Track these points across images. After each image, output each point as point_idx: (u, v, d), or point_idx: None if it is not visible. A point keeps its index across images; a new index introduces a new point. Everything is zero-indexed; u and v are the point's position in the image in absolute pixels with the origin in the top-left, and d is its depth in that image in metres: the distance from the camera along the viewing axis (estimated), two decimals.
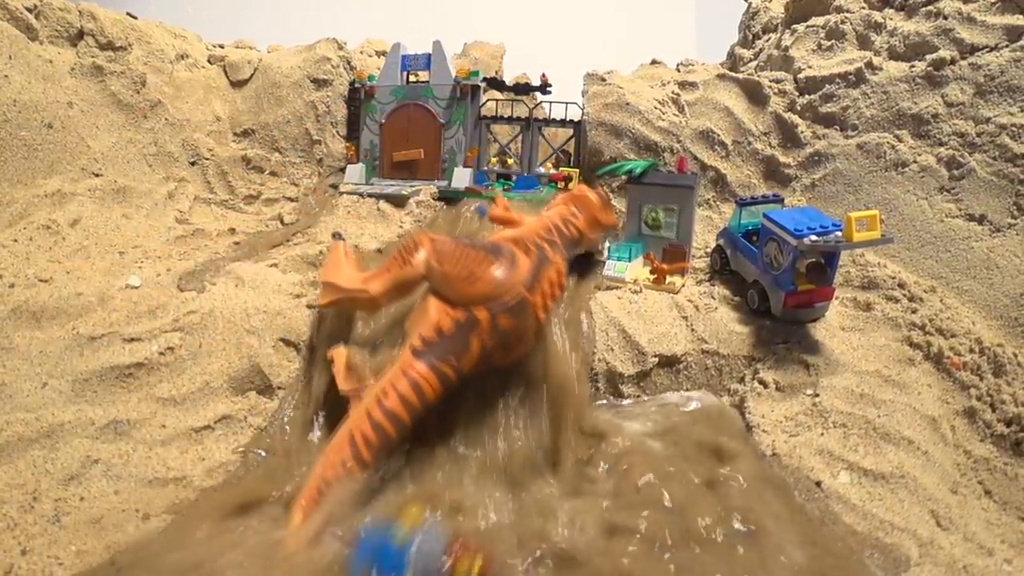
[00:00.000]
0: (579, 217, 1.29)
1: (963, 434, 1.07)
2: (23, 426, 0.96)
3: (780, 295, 1.19)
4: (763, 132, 1.70)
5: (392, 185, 1.83)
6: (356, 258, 1.12)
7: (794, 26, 1.86)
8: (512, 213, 1.27)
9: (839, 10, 1.77)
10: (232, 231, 1.69)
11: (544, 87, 1.85)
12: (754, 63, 2.14)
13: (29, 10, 1.72)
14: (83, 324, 1.14)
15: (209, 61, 2.20)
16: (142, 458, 0.98)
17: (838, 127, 1.62)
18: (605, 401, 1.19)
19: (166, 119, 1.91)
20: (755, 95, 1.73)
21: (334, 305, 1.08)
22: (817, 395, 1.09)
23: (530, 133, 1.83)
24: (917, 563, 0.84)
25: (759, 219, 1.28)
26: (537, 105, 1.98)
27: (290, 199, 2.00)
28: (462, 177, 1.78)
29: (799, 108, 1.69)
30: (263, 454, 1.05)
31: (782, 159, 1.66)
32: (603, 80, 1.78)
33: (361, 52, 2.38)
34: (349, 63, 2.18)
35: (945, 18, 1.56)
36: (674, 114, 1.71)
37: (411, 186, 1.79)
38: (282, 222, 1.80)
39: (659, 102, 1.71)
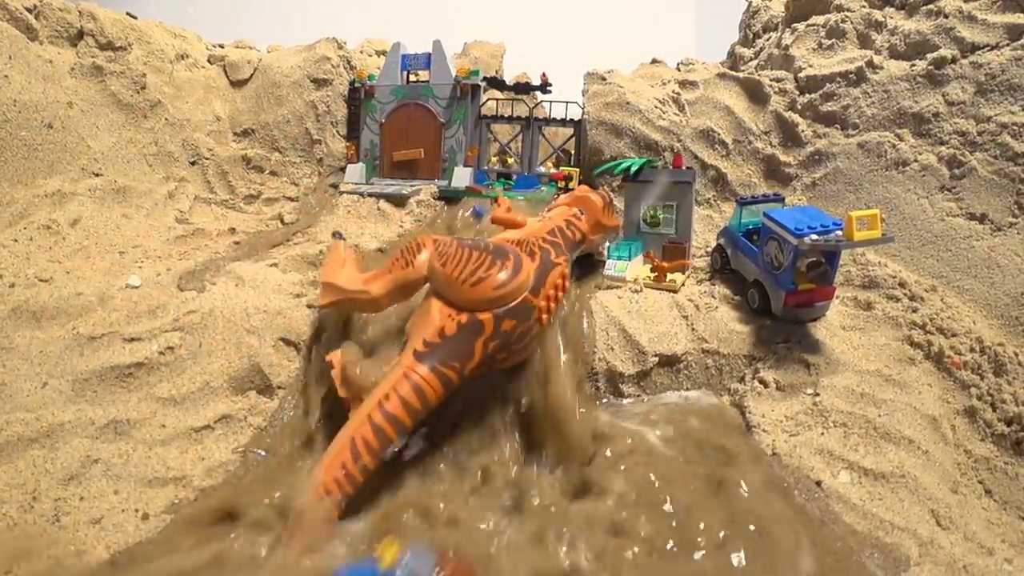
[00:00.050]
0: (582, 218, 1.27)
1: (963, 433, 1.07)
2: (23, 426, 0.97)
3: (781, 294, 1.19)
4: (763, 131, 1.70)
5: (392, 185, 1.83)
6: (356, 258, 1.11)
7: (794, 25, 1.86)
8: (515, 214, 1.25)
9: (839, 9, 1.77)
10: (232, 231, 1.69)
11: (544, 86, 1.85)
12: (754, 62, 2.14)
13: (29, 10, 1.72)
14: (83, 324, 1.14)
15: (209, 61, 2.20)
16: (142, 458, 0.98)
17: (839, 126, 1.62)
18: (605, 401, 1.18)
19: (166, 119, 1.91)
20: (755, 94, 1.73)
21: (334, 306, 1.06)
22: (817, 394, 1.08)
23: (530, 132, 1.83)
24: (917, 563, 0.84)
25: (760, 218, 1.27)
26: (537, 104, 1.98)
27: (290, 199, 2.00)
28: (462, 176, 1.78)
29: (800, 107, 1.69)
30: (263, 454, 1.05)
31: (783, 158, 1.66)
32: (603, 79, 1.78)
33: (361, 52, 2.38)
34: (349, 63, 2.18)
35: (946, 17, 1.55)
36: (674, 113, 1.71)
37: (411, 186, 1.79)
38: (282, 222, 1.80)
39: (659, 101, 1.71)
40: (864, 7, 1.74)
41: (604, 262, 1.41)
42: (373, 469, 0.87)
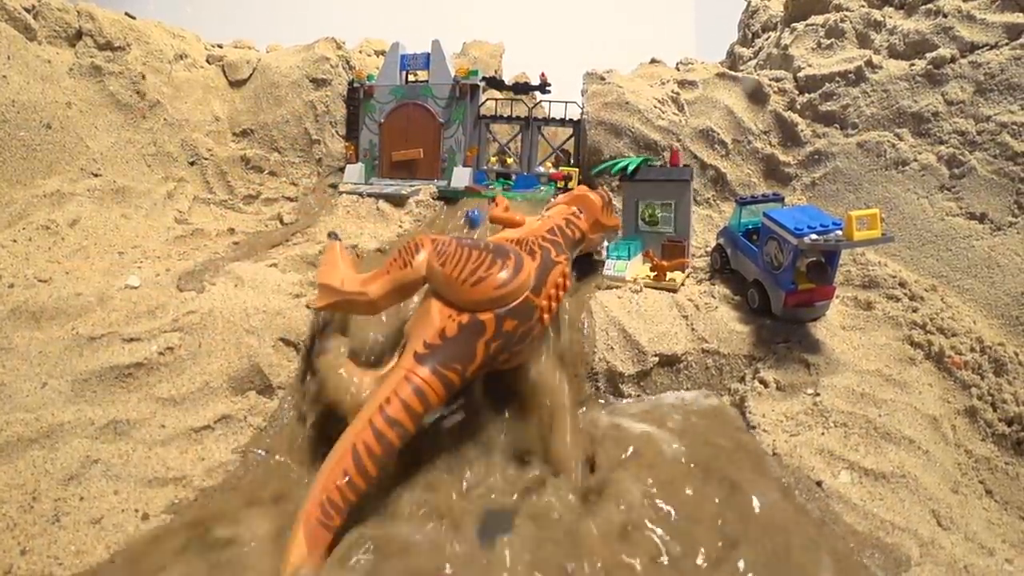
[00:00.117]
0: (581, 218, 1.26)
1: (964, 433, 1.07)
2: (23, 426, 0.96)
3: (780, 294, 1.19)
4: (763, 131, 1.70)
5: (391, 185, 1.83)
6: (352, 259, 1.09)
7: (793, 25, 1.86)
8: (513, 213, 1.24)
9: (839, 8, 1.77)
10: (231, 231, 1.68)
11: (543, 86, 1.85)
12: (754, 62, 2.14)
13: (27, 10, 1.72)
14: (82, 324, 1.14)
15: (208, 61, 2.20)
16: (142, 458, 0.98)
17: (838, 126, 1.62)
18: (605, 401, 1.18)
19: (165, 119, 1.90)
20: (755, 94, 1.73)
21: (331, 308, 1.04)
22: (818, 394, 1.08)
23: (529, 132, 1.83)
24: (918, 563, 0.84)
25: (759, 218, 1.27)
26: (536, 104, 1.98)
27: (289, 199, 2.00)
28: (461, 176, 1.78)
29: (799, 107, 1.69)
30: (263, 454, 1.04)
31: (782, 158, 1.66)
32: (602, 79, 1.78)
33: (360, 51, 2.38)
34: (348, 63, 2.18)
35: (945, 16, 1.55)
36: (674, 113, 1.71)
37: (410, 186, 1.79)
38: (281, 222, 1.80)
39: (659, 101, 1.71)
40: (863, 7, 1.74)
41: (603, 262, 1.41)
42: (376, 475, 0.85)
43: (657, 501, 0.88)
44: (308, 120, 2.11)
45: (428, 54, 1.87)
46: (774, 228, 1.19)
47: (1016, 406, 1.07)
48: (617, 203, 1.64)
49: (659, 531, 0.85)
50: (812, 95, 1.67)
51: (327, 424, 1.03)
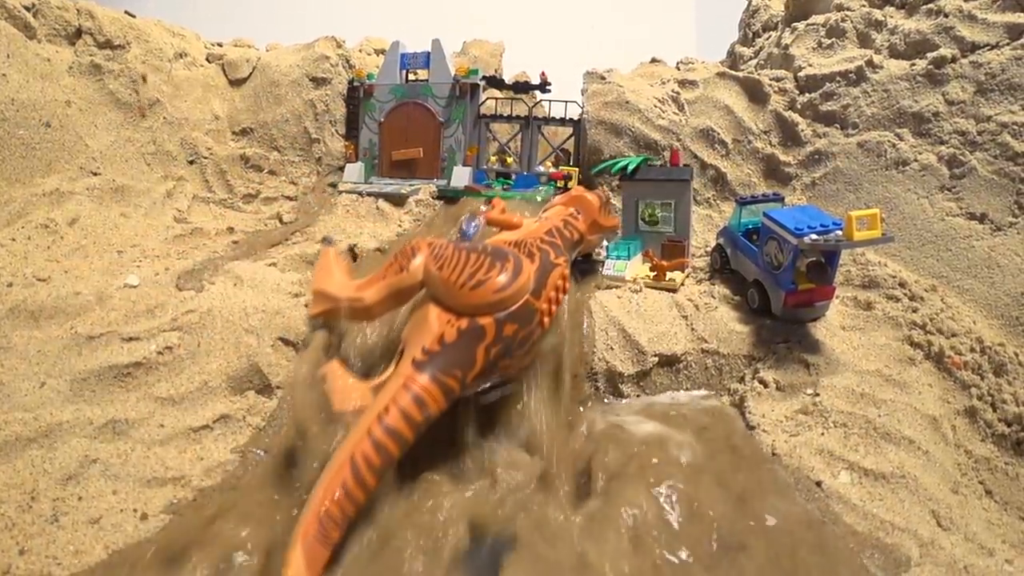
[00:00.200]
0: (579, 218, 1.25)
1: (964, 434, 1.07)
2: (21, 425, 0.96)
3: (780, 294, 1.19)
4: (763, 130, 1.70)
5: (391, 184, 1.83)
6: (347, 265, 1.05)
7: (794, 24, 1.86)
8: (511, 216, 1.22)
9: (839, 8, 1.77)
10: (231, 230, 1.68)
11: (543, 85, 1.85)
12: (754, 61, 2.14)
13: (27, 8, 1.72)
14: (81, 323, 1.13)
15: (208, 60, 2.20)
16: (140, 458, 0.98)
17: (838, 125, 1.62)
18: (606, 400, 1.18)
19: (164, 118, 1.90)
20: (755, 93, 1.73)
21: (326, 315, 1.01)
22: (817, 394, 1.08)
23: (529, 132, 1.83)
24: (918, 563, 0.84)
25: (759, 218, 1.27)
26: (536, 103, 1.97)
27: (289, 198, 1.99)
28: (461, 176, 1.78)
29: (799, 106, 1.69)
30: (262, 454, 1.04)
31: (782, 158, 1.66)
32: (603, 78, 1.78)
33: (360, 50, 2.38)
34: (348, 61, 2.18)
35: (946, 16, 1.55)
36: (674, 112, 1.71)
37: (410, 185, 1.79)
38: (281, 221, 1.80)
39: (659, 100, 1.71)
40: (864, 6, 1.73)
41: (603, 262, 1.41)
42: (375, 487, 0.82)
43: (662, 504, 0.87)
44: (308, 119, 2.11)
45: (428, 53, 1.86)
46: (774, 228, 1.19)
47: (1016, 406, 1.07)
48: (617, 203, 1.63)
49: (666, 541, 0.83)
50: (812, 95, 1.66)
51: (324, 429, 1.02)
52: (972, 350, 1.17)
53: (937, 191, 1.46)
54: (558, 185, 1.73)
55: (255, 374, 1.12)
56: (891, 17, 1.67)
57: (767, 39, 2.17)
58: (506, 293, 0.91)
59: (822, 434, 1.02)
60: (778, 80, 1.74)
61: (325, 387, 0.90)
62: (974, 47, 1.50)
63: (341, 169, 1.98)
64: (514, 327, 0.91)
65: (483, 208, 1.41)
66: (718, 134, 1.68)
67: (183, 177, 1.87)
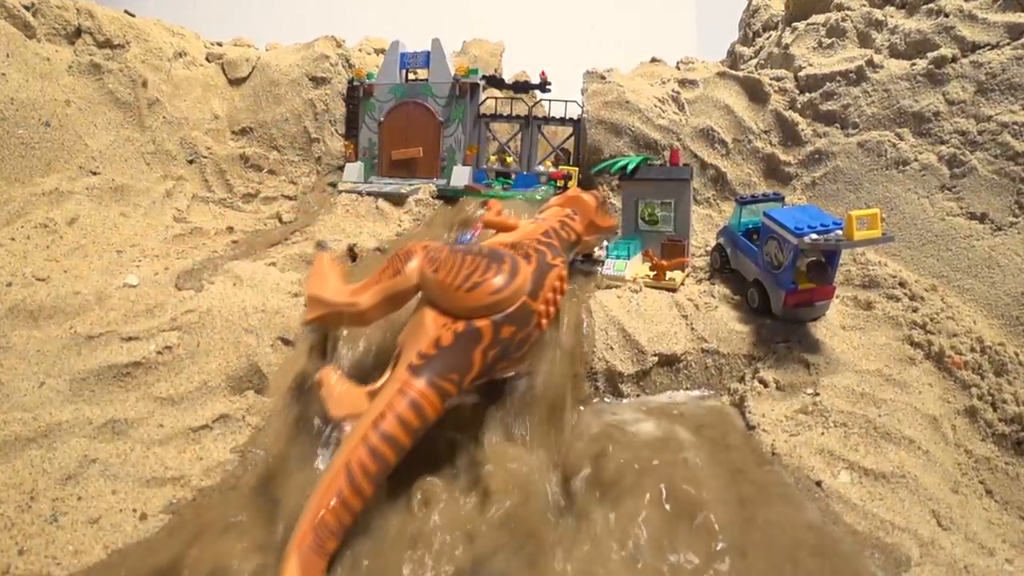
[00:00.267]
0: (575, 219, 1.24)
1: (964, 433, 1.07)
2: (20, 425, 0.96)
3: (780, 294, 1.19)
4: (763, 130, 1.70)
5: (391, 183, 1.83)
6: (342, 270, 1.03)
7: (794, 24, 1.86)
8: (507, 217, 1.21)
9: (840, 8, 1.77)
10: (230, 230, 1.68)
11: (543, 85, 1.85)
12: (754, 61, 2.14)
13: (27, 8, 1.72)
14: (81, 323, 1.13)
15: (207, 59, 2.20)
16: (140, 457, 0.98)
17: (839, 125, 1.62)
18: (605, 400, 1.18)
19: (164, 117, 1.90)
20: (755, 93, 1.73)
21: (321, 321, 1.00)
22: (817, 394, 1.08)
23: (529, 131, 1.83)
24: (918, 563, 0.84)
25: (759, 217, 1.27)
26: (536, 103, 1.97)
27: (288, 197, 1.99)
28: (461, 175, 1.78)
29: (799, 106, 1.68)
30: (261, 453, 1.04)
31: (782, 157, 1.66)
32: (603, 78, 1.78)
33: (360, 50, 2.38)
34: (348, 61, 2.18)
35: (946, 16, 1.55)
36: (674, 112, 1.71)
37: (410, 184, 1.79)
38: (280, 220, 1.80)
39: (659, 100, 1.71)
40: (864, 6, 1.73)
41: (602, 261, 1.41)
42: (372, 495, 0.80)
43: (662, 506, 0.87)
44: (307, 118, 2.11)
45: (428, 52, 1.86)
46: (774, 228, 1.19)
47: (1016, 406, 1.06)
48: (616, 202, 1.63)
49: (666, 544, 0.82)
50: (813, 94, 1.66)
51: (320, 435, 1.01)
52: (972, 350, 1.16)
53: (937, 191, 1.45)
54: (558, 185, 1.73)
55: (255, 374, 1.12)
56: (891, 17, 1.67)
57: (767, 39, 2.17)
58: (503, 295, 0.90)
59: (822, 434, 1.02)
60: (778, 80, 1.73)
61: (321, 393, 0.89)
62: (974, 47, 1.50)
63: (341, 168, 1.98)
64: (511, 329, 0.90)
65: (480, 212, 1.40)
66: (718, 134, 1.68)
67: (182, 177, 1.87)
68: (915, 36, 1.58)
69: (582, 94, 1.79)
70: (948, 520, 0.91)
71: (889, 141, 1.53)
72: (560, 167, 1.78)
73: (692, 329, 1.23)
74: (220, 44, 2.34)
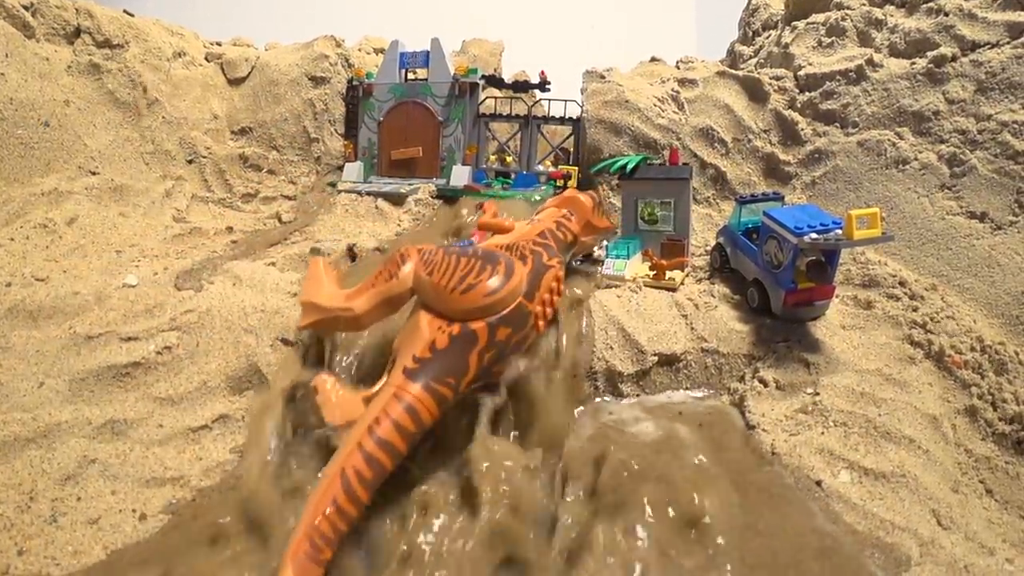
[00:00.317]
0: (572, 220, 1.23)
1: (964, 433, 1.07)
2: (20, 426, 0.96)
3: (780, 293, 1.19)
4: (763, 129, 1.69)
5: (390, 183, 1.83)
6: (337, 274, 1.03)
7: (794, 23, 1.86)
8: (502, 220, 1.20)
9: (839, 7, 1.77)
10: (230, 229, 1.68)
11: (543, 85, 1.85)
12: (754, 60, 2.14)
13: (26, 8, 1.72)
14: (80, 323, 1.13)
15: (206, 59, 2.19)
16: (139, 458, 0.98)
17: (838, 124, 1.62)
18: (605, 400, 1.18)
19: (163, 117, 1.90)
20: (755, 92, 1.73)
21: (315, 327, 0.99)
22: (817, 394, 1.08)
23: (529, 131, 1.82)
24: (918, 563, 0.83)
25: (759, 217, 1.27)
26: (536, 103, 1.97)
27: (288, 197, 1.99)
28: (461, 175, 1.78)
29: (799, 105, 1.68)
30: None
31: (782, 157, 1.66)
32: (602, 77, 1.77)
33: (359, 50, 2.38)
34: (347, 61, 2.18)
35: (946, 15, 1.55)
36: (674, 111, 1.71)
37: (409, 184, 1.79)
38: (280, 220, 1.79)
39: (659, 99, 1.71)
40: (864, 5, 1.73)
41: (602, 261, 1.41)
42: (368, 502, 0.79)
43: (662, 507, 0.86)
44: (307, 118, 2.11)
45: (427, 52, 1.86)
46: (774, 227, 1.19)
47: (1016, 405, 1.06)
48: (616, 201, 1.63)
49: (666, 546, 0.81)
50: (812, 93, 1.66)
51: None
52: (972, 349, 1.16)
53: (937, 190, 1.45)
54: (557, 184, 1.73)
55: (254, 374, 1.12)
56: (891, 16, 1.67)
57: (767, 38, 2.17)
58: (498, 296, 0.89)
59: (822, 433, 1.02)
60: (778, 79, 1.73)
61: (316, 400, 0.88)
62: (974, 46, 1.50)
63: (340, 168, 1.98)
64: (507, 331, 0.90)
65: (476, 215, 1.40)
66: (718, 133, 1.68)
67: (182, 176, 1.87)
68: (915, 35, 1.58)
69: (581, 93, 1.79)
70: (948, 520, 0.91)
71: (889, 140, 1.53)
72: (560, 167, 1.77)
73: (692, 329, 1.23)
74: (219, 44, 2.34)
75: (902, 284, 1.32)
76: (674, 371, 1.20)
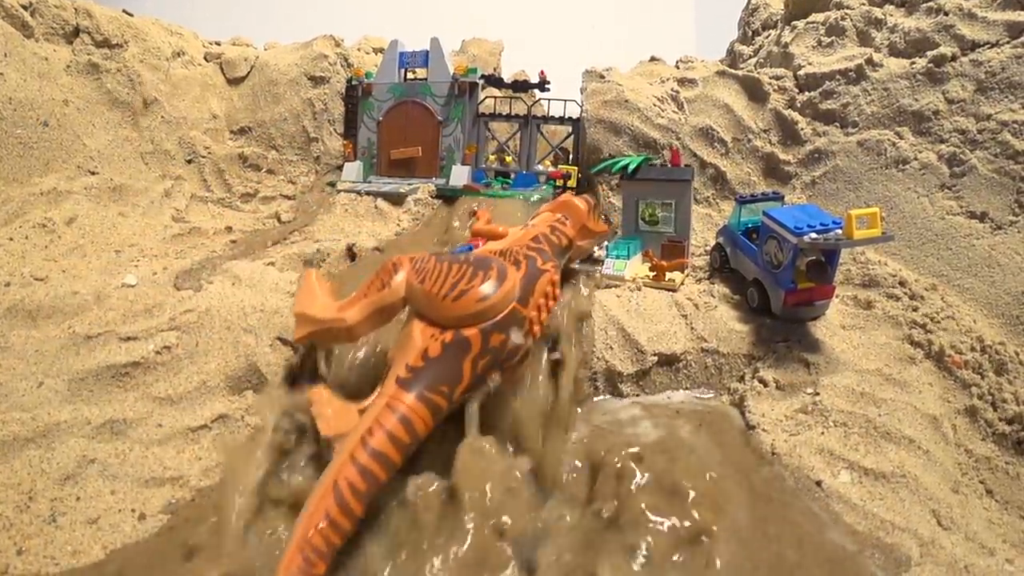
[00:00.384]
0: (567, 223, 1.21)
1: (964, 433, 1.07)
2: (19, 425, 0.96)
3: (780, 293, 1.19)
4: (763, 129, 1.69)
5: (390, 183, 1.83)
6: (330, 286, 1.02)
7: (794, 23, 1.86)
8: (495, 225, 1.20)
9: (839, 6, 1.77)
10: (229, 229, 1.68)
11: (543, 84, 1.84)
12: (754, 60, 2.14)
13: (25, 7, 1.71)
14: (79, 323, 1.13)
15: (205, 58, 2.19)
16: (138, 457, 0.98)
17: (838, 124, 1.61)
18: (604, 397, 1.18)
19: (162, 117, 1.90)
20: (755, 92, 1.73)
21: (309, 339, 0.97)
22: (817, 394, 1.08)
23: (528, 131, 1.82)
24: (918, 563, 0.83)
25: (759, 217, 1.27)
26: (536, 102, 1.97)
27: (287, 197, 1.99)
28: (460, 175, 1.78)
29: (799, 105, 1.68)
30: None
31: (782, 156, 1.65)
32: (602, 77, 1.77)
33: (358, 49, 2.37)
34: (346, 60, 2.18)
35: (946, 14, 1.55)
36: (673, 111, 1.71)
37: (409, 184, 1.79)
38: (279, 220, 1.79)
39: (658, 99, 1.71)
40: (864, 4, 1.73)
41: (602, 261, 1.41)
42: (361, 514, 0.77)
43: (662, 508, 0.86)
44: (306, 118, 2.11)
45: (427, 52, 1.86)
46: (774, 227, 1.19)
47: (1016, 405, 1.06)
48: (616, 201, 1.63)
49: (666, 547, 0.80)
50: (812, 93, 1.66)
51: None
52: (972, 349, 1.16)
53: (937, 190, 1.45)
54: (557, 184, 1.73)
55: (253, 374, 1.12)
56: (891, 15, 1.67)
57: (767, 37, 2.17)
58: (490, 302, 0.88)
59: (822, 433, 1.02)
60: (778, 78, 1.73)
61: (312, 412, 0.87)
62: (974, 45, 1.50)
63: (339, 168, 1.98)
64: (501, 337, 0.88)
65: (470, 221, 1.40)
66: (717, 133, 1.68)
67: (181, 176, 1.87)
68: (915, 35, 1.58)
69: (581, 93, 1.78)
70: (948, 520, 0.91)
71: (889, 140, 1.53)
72: (559, 166, 1.77)
73: (692, 329, 1.23)
74: (218, 43, 2.34)
75: (902, 284, 1.32)
76: (674, 371, 1.20)
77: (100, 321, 1.14)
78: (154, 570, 0.82)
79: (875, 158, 1.54)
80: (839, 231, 1.12)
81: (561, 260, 1.15)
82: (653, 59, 2.08)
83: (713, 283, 1.37)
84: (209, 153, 1.97)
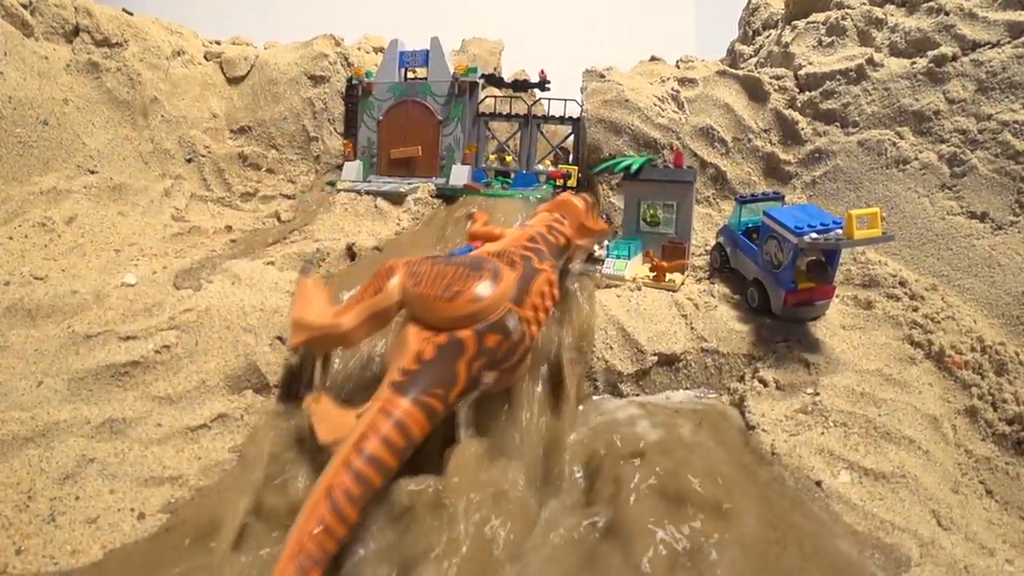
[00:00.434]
0: (564, 223, 1.20)
1: (964, 433, 1.07)
2: (18, 425, 0.96)
3: (780, 293, 1.19)
4: (763, 129, 1.69)
5: (390, 182, 1.82)
6: (327, 292, 1.03)
7: (794, 22, 1.86)
8: (492, 227, 1.20)
9: (840, 6, 1.77)
10: (229, 228, 1.68)
11: (543, 84, 1.84)
12: (754, 59, 2.14)
13: (24, 6, 1.71)
14: (79, 322, 1.13)
15: (205, 58, 2.19)
16: (138, 457, 0.97)
17: (839, 124, 1.61)
18: (605, 399, 1.18)
19: (162, 116, 1.90)
20: (755, 92, 1.73)
21: (306, 345, 0.97)
22: (817, 394, 1.08)
23: (529, 130, 1.82)
24: (918, 563, 0.83)
25: (759, 217, 1.27)
26: (536, 102, 1.97)
27: (287, 196, 1.99)
28: (460, 174, 1.77)
29: (799, 105, 1.68)
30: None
31: (782, 156, 1.65)
32: (602, 77, 1.77)
33: (359, 48, 2.37)
34: (346, 59, 2.17)
35: (946, 14, 1.55)
36: (673, 111, 1.71)
37: (409, 183, 1.78)
38: (279, 219, 1.79)
39: (658, 99, 1.70)
40: (864, 4, 1.73)
41: (602, 261, 1.40)
42: (357, 520, 0.76)
43: (662, 508, 0.86)
44: (306, 117, 2.11)
45: (427, 51, 1.86)
46: (774, 227, 1.19)
47: (1016, 406, 1.06)
48: (616, 201, 1.63)
49: (666, 548, 0.80)
50: (813, 93, 1.66)
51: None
52: (973, 349, 1.16)
53: (938, 190, 1.45)
54: (557, 184, 1.73)
55: (253, 373, 1.12)
56: (891, 15, 1.67)
57: (767, 37, 2.16)
58: (484, 303, 0.87)
59: (822, 433, 1.02)
60: (778, 78, 1.73)
61: (310, 418, 0.87)
62: (975, 45, 1.50)
63: (339, 167, 1.98)
64: (497, 338, 0.88)
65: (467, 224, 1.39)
66: (718, 132, 1.68)
67: (181, 176, 1.87)
68: (915, 34, 1.58)
69: (581, 93, 1.78)
70: (948, 520, 0.90)
71: (889, 140, 1.53)
72: (559, 166, 1.77)
73: (692, 328, 1.23)
74: (218, 43, 2.34)
75: (902, 284, 1.32)
76: (674, 371, 1.20)
77: (99, 320, 1.13)
78: (154, 570, 0.82)
79: (875, 158, 1.54)
80: (839, 231, 1.12)
81: (559, 259, 1.15)
82: (653, 59, 2.08)
83: (713, 283, 1.37)
84: (209, 152, 1.97)
